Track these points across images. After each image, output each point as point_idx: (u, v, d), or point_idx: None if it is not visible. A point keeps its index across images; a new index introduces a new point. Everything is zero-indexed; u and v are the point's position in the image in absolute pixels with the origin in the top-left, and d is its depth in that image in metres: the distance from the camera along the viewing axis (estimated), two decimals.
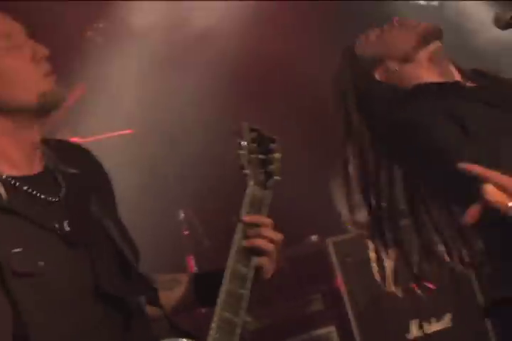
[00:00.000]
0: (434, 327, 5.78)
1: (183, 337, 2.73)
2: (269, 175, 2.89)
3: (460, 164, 2.68)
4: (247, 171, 2.86)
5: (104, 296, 2.64)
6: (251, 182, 2.85)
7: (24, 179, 2.66)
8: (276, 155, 2.93)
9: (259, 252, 2.76)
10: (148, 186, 5.97)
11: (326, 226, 6.06)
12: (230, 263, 2.74)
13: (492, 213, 3.28)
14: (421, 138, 3.60)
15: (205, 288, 2.92)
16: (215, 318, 2.67)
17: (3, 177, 2.62)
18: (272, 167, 2.90)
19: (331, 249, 5.89)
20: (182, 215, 5.98)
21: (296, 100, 6.47)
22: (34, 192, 2.67)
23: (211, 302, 2.75)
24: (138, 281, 2.81)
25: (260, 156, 2.91)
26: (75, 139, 5.65)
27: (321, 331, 5.83)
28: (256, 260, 2.76)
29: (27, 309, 2.50)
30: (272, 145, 2.94)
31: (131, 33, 6.52)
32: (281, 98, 6.59)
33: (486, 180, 2.68)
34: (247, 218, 2.78)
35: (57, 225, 2.64)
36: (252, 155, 2.89)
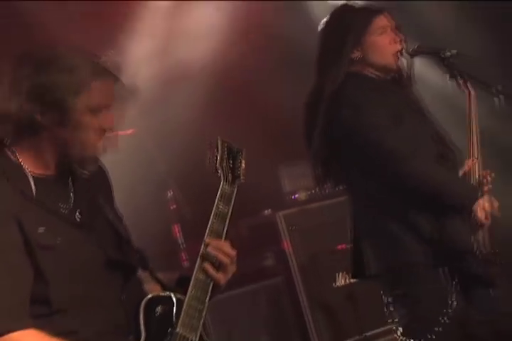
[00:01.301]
0: None
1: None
2: (236, 177, 2.93)
3: None
4: (219, 173, 2.90)
5: (108, 264, 2.70)
6: (222, 181, 2.89)
7: (51, 177, 2.70)
8: (243, 163, 2.98)
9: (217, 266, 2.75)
10: (145, 173, 5.98)
11: (277, 203, 6.19)
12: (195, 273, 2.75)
13: None
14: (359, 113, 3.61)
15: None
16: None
17: (37, 175, 2.66)
18: (238, 171, 2.95)
19: (281, 220, 5.97)
20: (170, 194, 6.01)
21: (257, 115, 6.44)
22: (55, 190, 2.70)
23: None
24: (133, 252, 2.84)
25: (230, 162, 2.95)
26: None
27: (272, 281, 5.92)
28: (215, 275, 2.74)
29: (48, 272, 2.55)
30: (239, 155, 2.99)
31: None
32: (247, 113, 6.54)
33: None
34: (208, 240, 2.75)
35: (71, 212, 2.70)
36: (223, 162, 2.94)
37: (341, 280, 5.94)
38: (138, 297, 2.73)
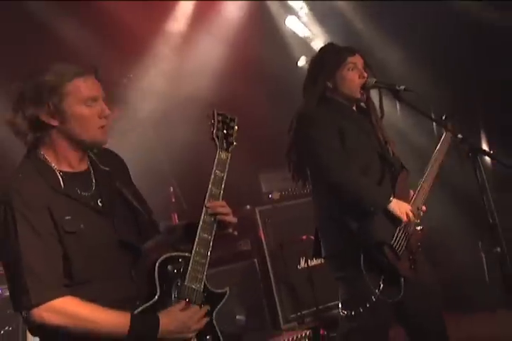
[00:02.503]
0: (314, 262, 5.83)
1: (178, 252, 2.73)
2: (230, 143, 2.80)
3: None
4: (216, 142, 2.79)
5: (121, 245, 2.65)
6: (218, 150, 2.78)
7: (76, 173, 2.66)
8: (235, 128, 2.84)
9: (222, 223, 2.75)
10: (152, 172, 5.96)
11: (256, 200, 6.20)
12: (199, 232, 2.70)
13: None
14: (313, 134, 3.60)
15: (189, 230, 2.81)
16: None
17: (63, 172, 2.62)
18: (231, 138, 2.82)
19: (258, 214, 5.97)
20: (171, 189, 6.01)
21: (245, 133, 6.50)
22: (80, 183, 2.65)
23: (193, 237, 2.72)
24: (146, 229, 2.82)
25: (224, 131, 2.80)
26: None
27: (248, 261, 5.87)
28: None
29: (71, 251, 2.53)
30: (232, 123, 2.84)
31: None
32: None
33: None
34: (208, 204, 2.70)
35: (93, 202, 2.65)
36: (219, 131, 2.79)
37: (303, 263, 5.93)
38: (145, 271, 2.68)
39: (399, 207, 3.57)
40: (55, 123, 2.58)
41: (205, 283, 2.69)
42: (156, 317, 2.55)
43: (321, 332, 5.65)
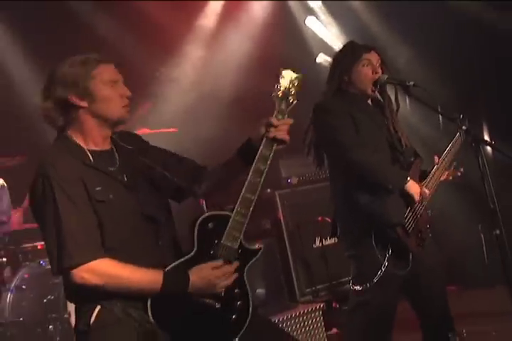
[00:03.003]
0: (328, 241, 5.86)
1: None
2: (290, 103, 2.67)
3: None
4: (276, 100, 2.65)
5: (145, 216, 2.67)
6: (278, 103, 2.65)
7: (101, 151, 2.70)
8: (297, 88, 2.66)
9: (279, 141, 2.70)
10: None
11: (276, 184, 6.23)
12: (261, 149, 2.69)
13: None
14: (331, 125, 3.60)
15: (246, 153, 2.76)
16: (240, 198, 2.62)
17: (90, 150, 2.66)
18: (291, 97, 2.67)
19: (277, 197, 5.99)
20: None
21: None
22: (106, 159, 2.69)
23: (251, 160, 2.71)
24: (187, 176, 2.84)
25: (287, 91, 2.63)
26: (145, 130, 5.75)
27: (268, 240, 5.80)
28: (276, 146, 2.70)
29: (102, 219, 2.57)
30: (296, 82, 2.65)
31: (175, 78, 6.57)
32: (255, 121, 6.68)
33: None
34: (275, 121, 2.64)
35: (119, 176, 2.68)
36: (283, 91, 2.63)
37: (318, 242, 5.97)
38: (172, 241, 2.72)
39: (413, 187, 3.58)
40: (84, 104, 2.65)
41: (241, 240, 2.64)
42: (187, 276, 2.57)
43: (334, 305, 5.73)
